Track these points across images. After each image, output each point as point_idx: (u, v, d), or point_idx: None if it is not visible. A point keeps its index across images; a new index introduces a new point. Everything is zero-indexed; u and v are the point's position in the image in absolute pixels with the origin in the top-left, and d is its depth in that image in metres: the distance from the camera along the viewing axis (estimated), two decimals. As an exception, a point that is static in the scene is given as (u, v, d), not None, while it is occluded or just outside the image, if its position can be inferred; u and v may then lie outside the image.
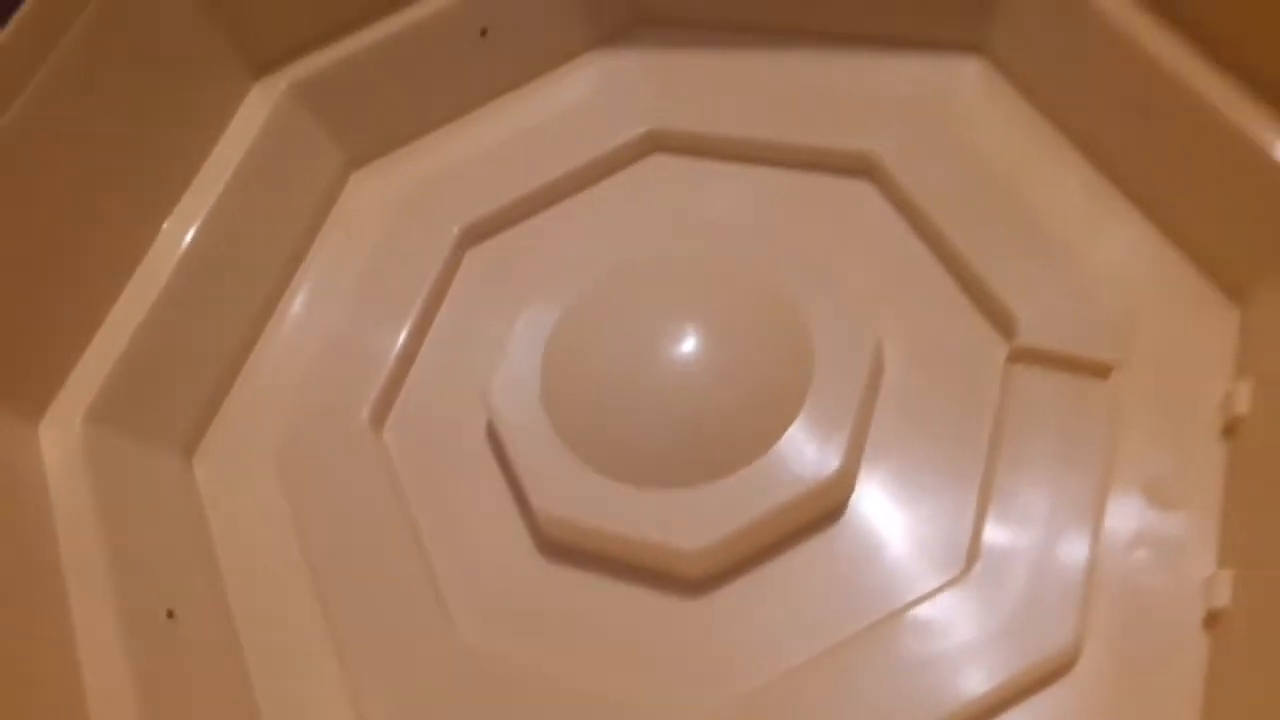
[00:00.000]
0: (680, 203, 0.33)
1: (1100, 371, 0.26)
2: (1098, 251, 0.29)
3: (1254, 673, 0.22)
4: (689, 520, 0.26)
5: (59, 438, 0.29)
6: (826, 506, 0.27)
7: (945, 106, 0.33)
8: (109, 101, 0.31)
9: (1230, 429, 0.26)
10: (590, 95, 0.36)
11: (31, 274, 0.29)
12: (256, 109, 0.34)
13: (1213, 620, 0.24)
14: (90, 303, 0.30)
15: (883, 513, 0.27)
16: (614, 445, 0.27)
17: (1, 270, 0.28)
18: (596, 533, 0.26)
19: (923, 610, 0.24)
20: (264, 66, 0.35)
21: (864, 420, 0.27)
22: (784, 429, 0.26)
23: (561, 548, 0.28)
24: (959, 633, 0.24)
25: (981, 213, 0.30)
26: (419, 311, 0.32)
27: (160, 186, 0.33)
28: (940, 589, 0.25)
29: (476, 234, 0.33)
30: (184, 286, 0.32)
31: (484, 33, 0.35)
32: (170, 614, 0.26)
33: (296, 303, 0.34)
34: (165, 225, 0.33)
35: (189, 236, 0.32)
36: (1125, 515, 0.25)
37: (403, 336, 0.31)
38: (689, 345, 0.27)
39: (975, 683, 0.23)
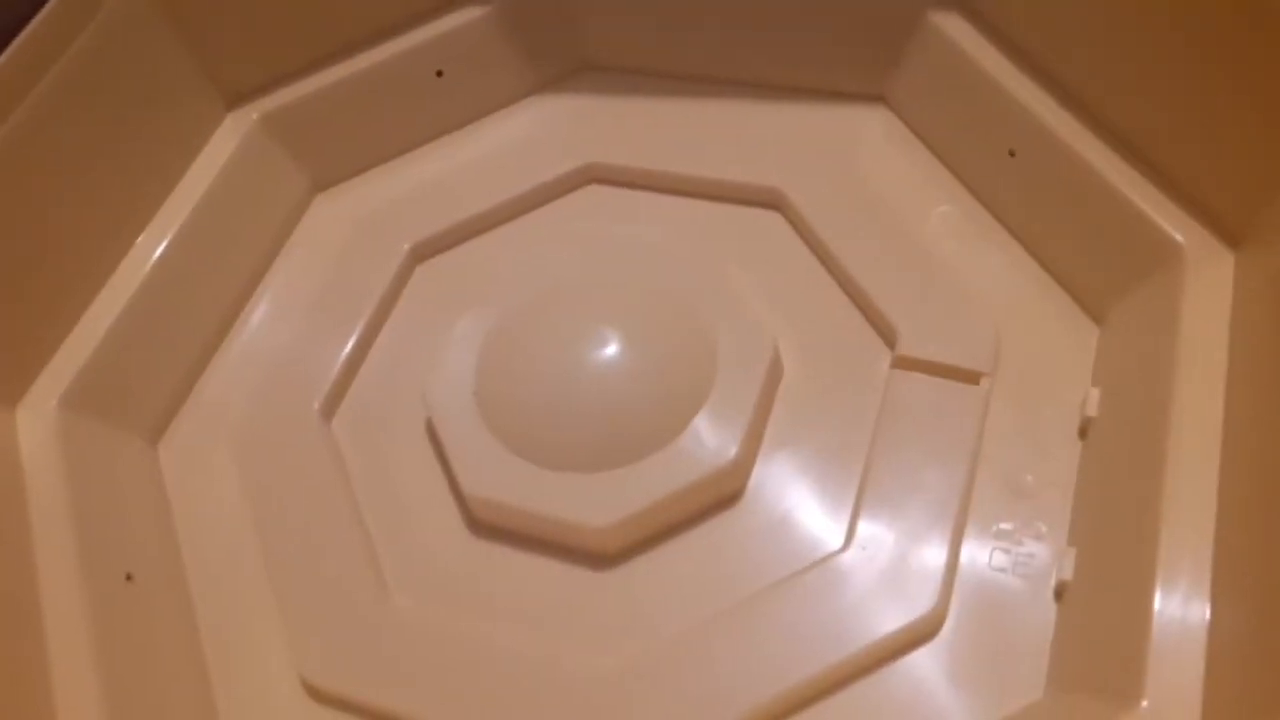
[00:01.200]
0: (611, 228, 0.37)
1: (970, 378, 0.30)
2: (977, 274, 0.33)
3: (1091, 636, 0.25)
4: (600, 501, 0.29)
5: (34, 421, 0.31)
6: (725, 491, 0.30)
7: (849, 147, 0.36)
8: (93, 125, 0.34)
9: (1084, 430, 0.29)
10: (534, 131, 0.39)
11: (15, 274, 0.32)
12: (228, 137, 0.38)
13: (1060, 591, 0.27)
14: (68, 302, 0.33)
15: (776, 497, 0.30)
16: (537, 435, 0.30)
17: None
18: (519, 512, 0.29)
19: (808, 579, 0.27)
20: (237, 98, 0.39)
21: (761, 416, 0.30)
22: (687, 422, 0.29)
23: (488, 527, 0.30)
24: (837, 600, 0.27)
25: (874, 239, 0.33)
26: (369, 318, 0.35)
27: (136, 204, 0.36)
28: (821, 562, 0.28)
29: (425, 251, 0.37)
30: (155, 292, 0.35)
31: (440, 74, 0.39)
32: (129, 577, 0.29)
33: (259, 309, 0.37)
34: (140, 238, 0.36)
35: (161, 248, 0.35)
36: (988, 501, 0.28)
37: (353, 340, 0.34)
38: (607, 348, 0.31)
39: (850, 643, 0.26)
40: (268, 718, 0.28)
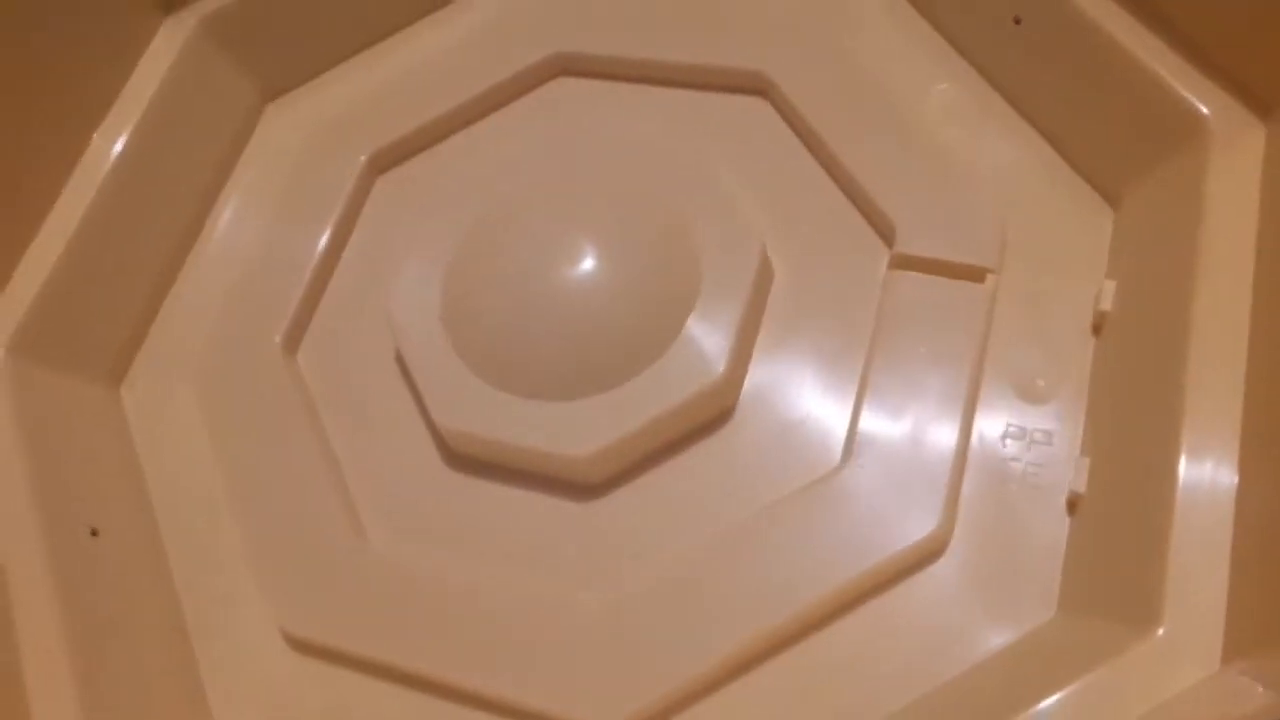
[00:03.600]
0: (585, 124, 0.34)
1: (975, 275, 0.28)
2: (980, 158, 0.30)
3: (1105, 554, 0.24)
4: (580, 429, 0.27)
5: (-21, 371, 0.30)
6: (714, 410, 0.28)
7: (839, 23, 0.33)
8: (8, 45, 0.31)
9: (1098, 326, 0.27)
10: (496, 19, 0.36)
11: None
12: (166, 46, 0.35)
13: (1073, 504, 0.25)
14: (5, 241, 0.31)
15: (769, 413, 0.28)
16: (511, 361, 0.28)
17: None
18: (495, 444, 0.27)
19: (801, 501, 0.26)
20: (172, 2, 0.35)
21: (751, 326, 0.28)
22: (672, 338, 0.27)
23: (465, 460, 0.29)
24: (835, 520, 0.25)
25: (869, 127, 0.30)
26: (329, 239, 0.32)
27: (69, 128, 0.33)
28: (818, 480, 0.26)
29: (384, 161, 0.34)
30: (101, 221, 0.32)
31: (389, -38, 0.36)
32: (94, 532, 0.28)
33: (215, 234, 0.35)
34: (77, 166, 0.33)
35: (103, 173, 0.33)
36: (995, 408, 0.27)
37: (312, 266, 0.32)
38: (582, 264, 0.28)
39: (851, 566, 0.25)
40: (251, 672, 0.27)
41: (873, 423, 0.26)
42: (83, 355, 0.32)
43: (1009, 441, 0.26)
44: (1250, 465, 0.21)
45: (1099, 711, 0.20)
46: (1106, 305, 0.26)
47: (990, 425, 0.26)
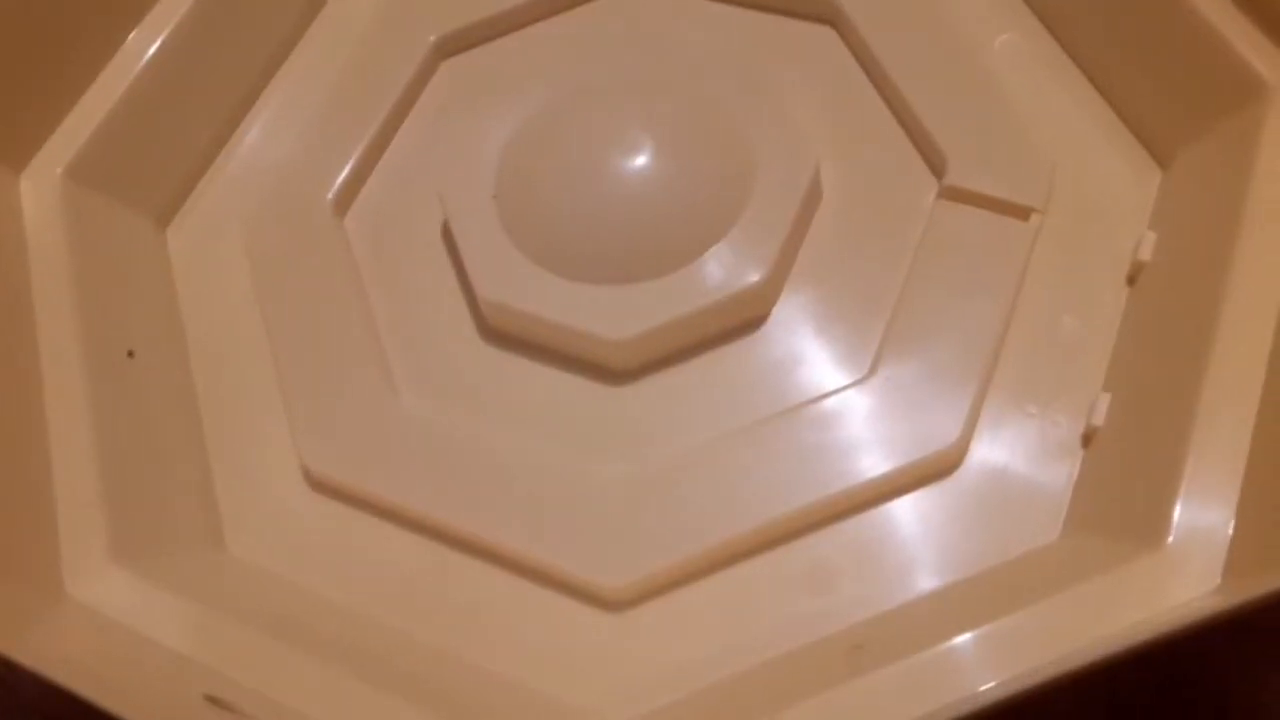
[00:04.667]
0: (652, 33, 0.34)
1: (1020, 214, 0.28)
2: (1036, 106, 0.30)
3: (1115, 480, 0.24)
4: (617, 314, 0.27)
5: (38, 189, 0.30)
6: (748, 314, 0.28)
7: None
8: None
9: (1134, 276, 0.28)
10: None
11: (19, 36, 0.30)
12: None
13: (1088, 438, 0.26)
14: (75, 70, 0.32)
15: (800, 325, 0.28)
16: (558, 243, 0.29)
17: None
18: (534, 319, 0.28)
19: (826, 404, 0.26)
20: None
21: (795, 240, 0.29)
22: (717, 239, 0.28)
23: (502, 334, 0.29)
24: (856, 426, 0.26)
25: (931, 63, 0.31)
26: (388, 114, 0.33)
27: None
28: (843, 388, 0.27)
29: (451, 46, 0.35)
30: (164, 72, 0.33)
31: None
32: (130, 354, 0.28)
33: (273, 100, 0.35)
34: (149, 14, 0.33)
35: (170, 28, 0.33)
36: (1024, 341, 0.27)
37: (370, 135, 0.33)
38: (638, 154, 0.29)
39: (866, 469, 0.25)
40: (266, 502, 0.28)
41: (901, 342, 0.27)
42: (137, 190, 0.32)
43: (1032, 372, 0.27)
44: (1270, 404, 0.22)
45: (1095, 616, 0.21)
46: (1146, 255, 0.27)
47: (1016, 355, 0.27)
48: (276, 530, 0.28)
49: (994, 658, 0.21)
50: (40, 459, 0.26)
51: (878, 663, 0.21)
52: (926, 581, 0.25)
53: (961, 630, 0.21)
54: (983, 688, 0.20)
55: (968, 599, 0.24)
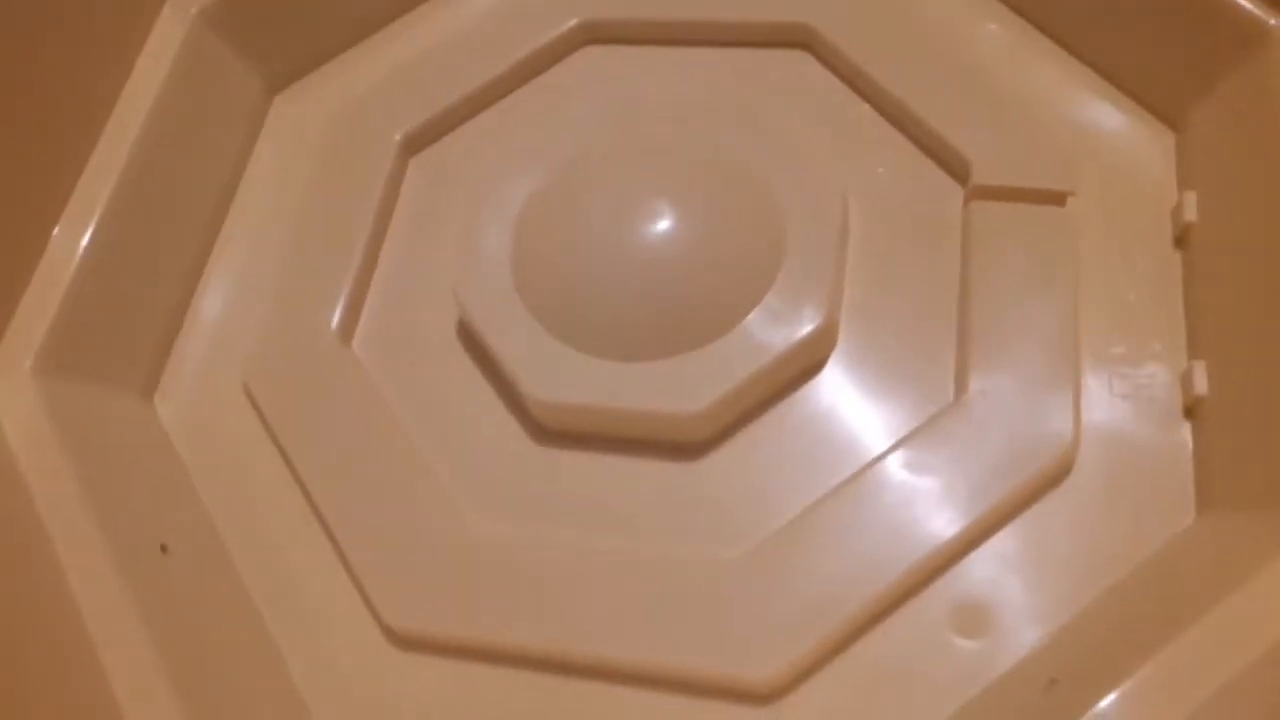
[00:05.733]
0: (621, 91, 0.33)
1: (1056, 200, 0.27)
2: (1035, 93, 0.30)
3: (1238, 449, 0.24)
4: (682, 386, 0.26)
5: (9, 393, 0.27)
6: (812, 358, 0.27)
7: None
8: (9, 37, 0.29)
9: (1181, 238, 0.27)
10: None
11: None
12: (169, 35, 0.33)
13: (1192, 410, 0.25)
14: (18, 253, 0.29)
15: (865, 360, 0.27)
16: (596, 324, 0.27)
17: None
18: (595, 410, 0.26)
19: (920, 437, 0.25)
20: (168, -10, 0.33)
21: (839, 276, 0.28)
22: (764, 291, 0.26)
23: (554, 432, 0.27)
24: (959, 452, 0.25)
25: (920, 67, 0.30)
26: (372, 222, 0.31)
27: (75, 128, 0.30)
28: (934, 418, 0.25)
29: (417, 142, 0.33)
30: (113, 228, 0.30)
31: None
32: (164, 548, 0.25)
33: (237, 233, 0.33)
34: (86, 168, 0.31)
35: (112, 180, 0.30)
36: (1095, 327, 0.26)
37: (360, 249, 0.30)
38: (658, 220, 0.27)
39: (983, 493, 0.24)
40: (352, 675, 0.25)
41: (978, 354, 0.26)
42: (111, 368, 0.29)
43: (1115, 358, 0.26)
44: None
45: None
46: (1191, 216, 0.27)
47: (1093, 344, 0.26)
48: (369, 701, 0.25)
49: (1203, 665, 0.19)
50: (99, 684, 0.23)
51: (1084, 695, 0.20)
52: (1080, 592, 0.23)
53: (1160, 641, 0.20)
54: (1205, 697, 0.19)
55: (1133, 601, 0.23)
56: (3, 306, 0.28)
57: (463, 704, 0.25)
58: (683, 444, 0.27)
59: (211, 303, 0.32)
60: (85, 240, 0.29)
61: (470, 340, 0.29)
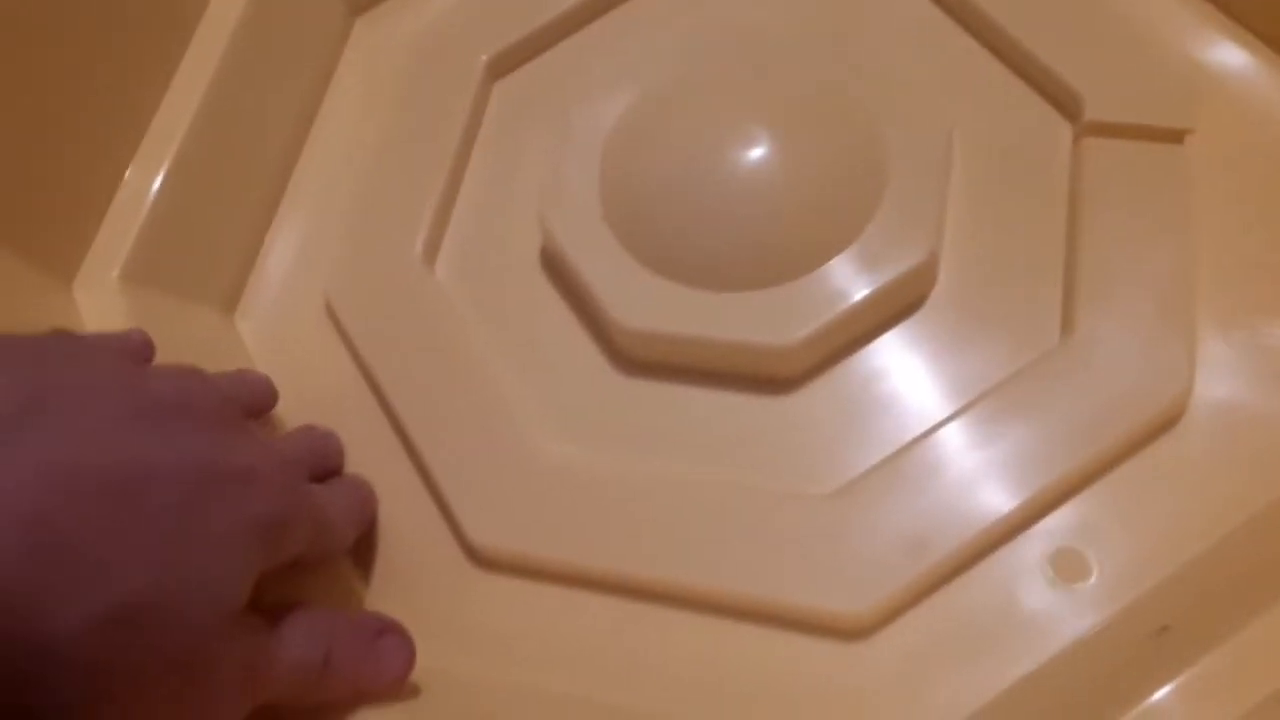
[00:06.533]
0: (715, 16, 0.32)
1: (1174, 138, 0.26)
2: (1153, 27, 0.29)
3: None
4: (777, 318, 0.25)
5: (95, 298, 0.27)
6: (912, 295, 0.26)
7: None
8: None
9: (1307, 182, 0.26)
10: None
11: (45, 141, 0.27)
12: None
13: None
14: (106, 165, 0.28)
15: (965, 300, 0.26)
16: (688, 253, 0.26)
17: (15, 137, 0.26)
18: (683, 341, 0.26)
19: (1024, 380, 0.24)
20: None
21: (941, 212, 0.27)
22: (863, 225, 0.26)
23: (640, 362, 0.27)
24: (1065, 395, 0.24)
25: (1032, 2, 0.29)
26: (456, 146, 0.30)
27: (160, 50, 0.30)
28: (1035, 362, 0.24)
29: (503, 66, 0.32)
30: (199, 144, 0.30)
31: None
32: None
33: (319, 154, 0.32)
34: (171, 86, 0.30)
35: (197, 97, 0.30)
36: (1212, 271, 0.25)
37: (444, 173, 0.30)
38: (754, 146, 0.27)
39: (1091, 437, 0.23)
40: (435, 592, 0.25)
41: (1086, 296, 0.25)
42: (193, 283, 0.29)
43: (1230, 298, 0.25)
44: None
45: None
46: (1319, 159, 0.25)
47: (1210, 288, 0.25)
48: (451, 620, 0.25)
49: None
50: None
51: (1199, 643, 0.19)
52: (1188, 542, 0.22)
53: (1274, 594, 0.19)
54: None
55: (1246, 553, 0.22)
56: (92, 215, 0.28)
57: (543, 625, 0.24)
58: (774, 378, 0.26)
59: (293, 224, 0.31)
60: (170, 156, 0.29)
61: (555, 267, 0.28)
